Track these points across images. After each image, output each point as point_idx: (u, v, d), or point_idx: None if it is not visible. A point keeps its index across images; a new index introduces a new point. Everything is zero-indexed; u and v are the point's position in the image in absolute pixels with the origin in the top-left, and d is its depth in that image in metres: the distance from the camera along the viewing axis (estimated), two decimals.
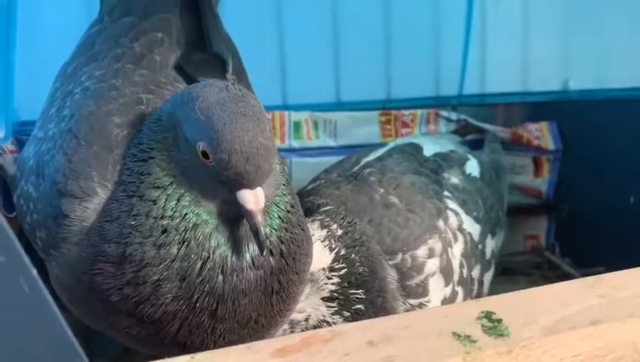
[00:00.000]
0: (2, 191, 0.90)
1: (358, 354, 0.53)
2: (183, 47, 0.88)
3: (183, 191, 0.67)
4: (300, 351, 0.54)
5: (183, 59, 0.87)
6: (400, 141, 1.15)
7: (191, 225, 0.66)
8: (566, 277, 1.28)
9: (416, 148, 1.04)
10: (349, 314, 0.77)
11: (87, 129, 0.74)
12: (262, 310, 0.70)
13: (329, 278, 0.78)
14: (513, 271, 1.34)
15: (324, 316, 0.77)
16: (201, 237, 0.66)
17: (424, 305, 0.81)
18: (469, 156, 1.09)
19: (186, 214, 0.67)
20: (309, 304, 0.76)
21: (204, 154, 0.65)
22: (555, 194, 1.39)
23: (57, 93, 0.85)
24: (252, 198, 0.65)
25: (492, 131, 1.38)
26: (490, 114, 1.43)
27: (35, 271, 0.45)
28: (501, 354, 0.53)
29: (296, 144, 1.33)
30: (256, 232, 0.65)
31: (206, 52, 0.91)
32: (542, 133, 1.37)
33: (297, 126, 1.33)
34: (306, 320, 0.76)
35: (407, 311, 0.80)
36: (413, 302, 0.80)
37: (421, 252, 0.83)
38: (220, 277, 0.67)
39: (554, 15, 1.38)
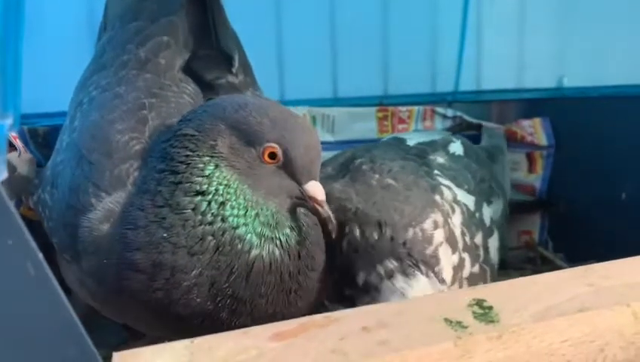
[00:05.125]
0: None
1: (353, 339, 0.55)
2: (190, 47, 0.90)
3: (234, 198, 0.69)
4: (297, 336, 0.56)
5: (189, 56, 0.89)
6: (383, 139, 1.19)
7: (230, 228, 0.68)
8: None
9: (400, 140, 1.08)
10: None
11: (90, 139, 0.76)
12: (279, 307, 0.72)
13: None
14: (507, 265, 1.36)
15: None
16: (236, 241, 0.68)
17: (439, 273, 0.84)
18: (453, 138, 1.13)
19: (227, 217, 0.68)
20: None
21: (272, 155, 0.69)
22: (548, 190, 1.41)
23: (73, 103, 0.87)
24: (320, 189, 0.71)
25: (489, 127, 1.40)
26: (485, 110, 1.45)
27: (41, 255, 0.47)
28: (491, 339, 0.55)
29: None
30: (329, 219, 0.70)
31: (212, 48, 0.93)
32: (535, 130, 1.39)
33: None
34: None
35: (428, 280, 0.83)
36: (427, 271, 0.83)
37: (427, 225, 0.86)
38: (244, 283, 0.69)
39: (549, 12, 1.40)
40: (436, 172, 0.97)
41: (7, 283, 0.46)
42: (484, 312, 0.58)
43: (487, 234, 0.97)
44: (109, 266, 0.70)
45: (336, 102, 1.38)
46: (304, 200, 0.71)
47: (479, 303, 0.60)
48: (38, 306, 0.48)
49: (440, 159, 1.02)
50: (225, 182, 0.68)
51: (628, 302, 0.60)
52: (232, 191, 0.68)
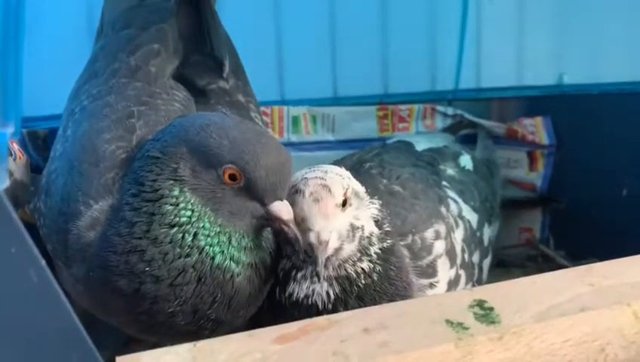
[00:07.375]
0: None
1: (354, 341, 0.55)
2: (180, 54, 0.90)
3: (201, 224, 0.68)
4: (299, 339, 0.56)
5: (180, 62, 0.89)
6: (390, 141, 1.18)
7: (208, 259, 0.68)
8: (560, 269, 1.29)
9: (409, 145, 1.08)
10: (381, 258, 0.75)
11: (80, 149, 0.77)
12: (248, 316, 0.75)
13: (372, 202, 0.78)
14: (508, 263, 1.36)
15: (371, 233, 0.75)
16: (216, 272, 0.68)
17: (434, 285, 0.82)
18: (462, 151, 1.12)
19: (203, 248, 0.68)
20: (362, 215, 0.75)
21: (232, 176, 0.68)
22: (549, 187, 1.41)
23: (66, 112, 0.87)
24: (285, 208, 0.69)
25: (486, 127, 1.40)
26: (485, 109, 1.45)
27: (43, 262, 0.47)
28: (492, 340, 0.55)
29: (294, 138, 1.34)
30: (295, 240, 0.69)
31: (203, 53, 0.93)
32: (536, 128, 1.39)
33: (296, 120, 1.34)
34: (362, 228, 0.74)
35: (419, 289, 0.81)
36: (424, 281, 0.81)
37: (429, 234, 0.84)
38: (226, 309, 0.70)
39: (548, 10, 1.39)
40: (445, 183, 0.97)
41: (11, 290, 0.47)
42: (485, 313, 0.59)
43: (484, 255, 0.97)
44: (96, 279, 0.71)
45: (337, 101, 1.37)
46: (269, 221, 0.71)
47: (480, 304, 0.60)
48: (40, 312, 0.48)
49: (450, 171, 1.02)
50: (190, 207, 0.68)
51: (629, 301, 0.60)
52: (196, 216, 0.68)
